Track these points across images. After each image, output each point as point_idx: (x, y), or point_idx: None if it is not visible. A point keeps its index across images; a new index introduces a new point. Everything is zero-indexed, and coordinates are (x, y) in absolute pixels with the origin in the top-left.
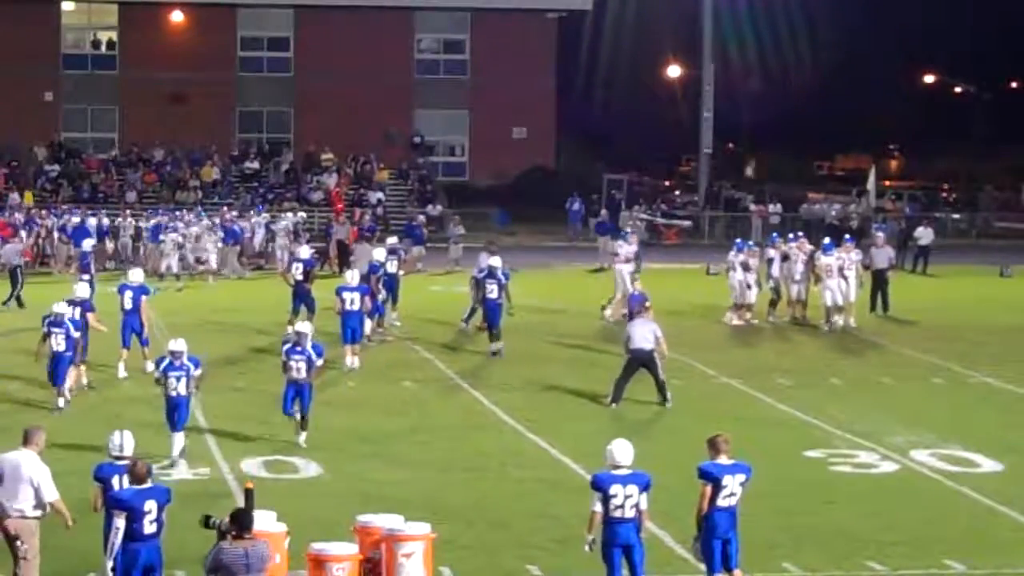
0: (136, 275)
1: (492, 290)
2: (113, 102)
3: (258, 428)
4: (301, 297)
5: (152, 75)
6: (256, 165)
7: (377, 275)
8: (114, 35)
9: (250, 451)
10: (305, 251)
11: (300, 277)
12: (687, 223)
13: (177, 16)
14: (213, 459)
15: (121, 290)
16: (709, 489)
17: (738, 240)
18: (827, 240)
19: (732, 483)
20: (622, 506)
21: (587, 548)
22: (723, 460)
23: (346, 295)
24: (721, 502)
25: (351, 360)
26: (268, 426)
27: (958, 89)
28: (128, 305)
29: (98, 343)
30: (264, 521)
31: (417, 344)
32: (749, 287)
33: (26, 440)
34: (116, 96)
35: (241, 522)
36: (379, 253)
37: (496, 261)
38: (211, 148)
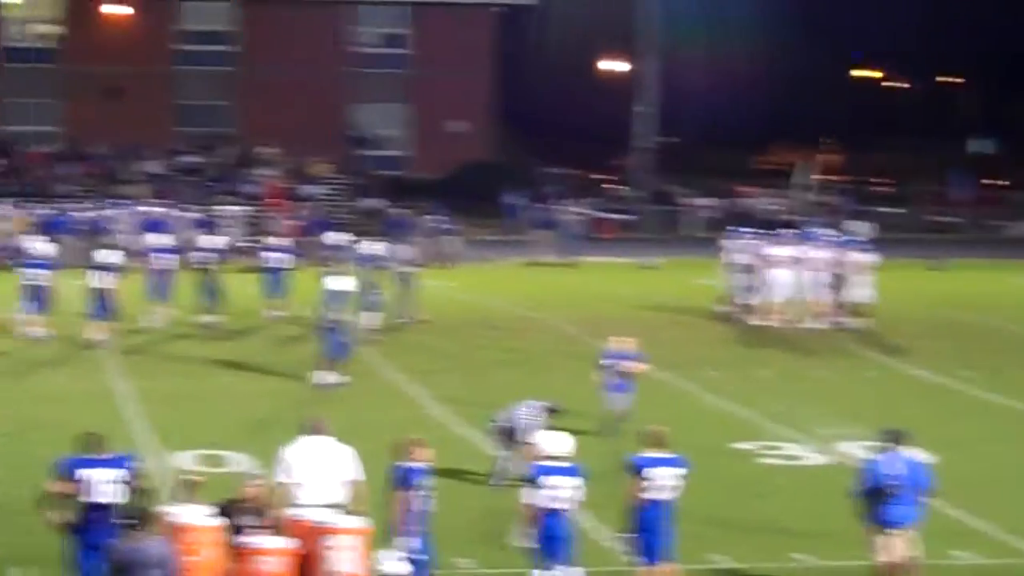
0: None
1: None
2: (55, 96)
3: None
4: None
5: (92, 69)
6: (195, 159)
7: None
8: (56, 28)
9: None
10: (215, 240)
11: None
12: (623, 217)
13: (118, 9)
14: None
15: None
16: (637, 481)
17: (740, 228)
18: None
19: (661, 475)
20: (558, 497)
21: (524, 542)
22: (655, 453)
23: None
24: (651, 494)
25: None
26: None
27: (889, 83)
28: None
29: None
30: (198, 515)
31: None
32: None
33: (316, 430)
34: (58, 90)
35: (131, 517)
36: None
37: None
38: (145, 147)
